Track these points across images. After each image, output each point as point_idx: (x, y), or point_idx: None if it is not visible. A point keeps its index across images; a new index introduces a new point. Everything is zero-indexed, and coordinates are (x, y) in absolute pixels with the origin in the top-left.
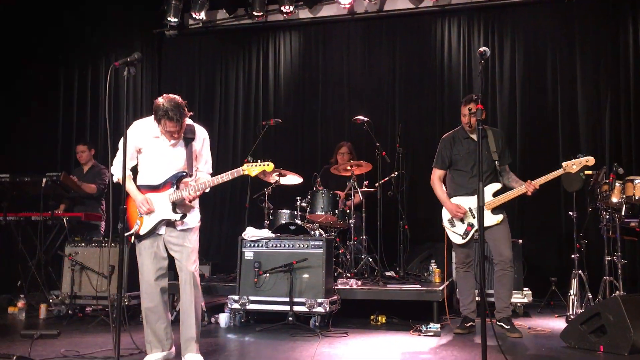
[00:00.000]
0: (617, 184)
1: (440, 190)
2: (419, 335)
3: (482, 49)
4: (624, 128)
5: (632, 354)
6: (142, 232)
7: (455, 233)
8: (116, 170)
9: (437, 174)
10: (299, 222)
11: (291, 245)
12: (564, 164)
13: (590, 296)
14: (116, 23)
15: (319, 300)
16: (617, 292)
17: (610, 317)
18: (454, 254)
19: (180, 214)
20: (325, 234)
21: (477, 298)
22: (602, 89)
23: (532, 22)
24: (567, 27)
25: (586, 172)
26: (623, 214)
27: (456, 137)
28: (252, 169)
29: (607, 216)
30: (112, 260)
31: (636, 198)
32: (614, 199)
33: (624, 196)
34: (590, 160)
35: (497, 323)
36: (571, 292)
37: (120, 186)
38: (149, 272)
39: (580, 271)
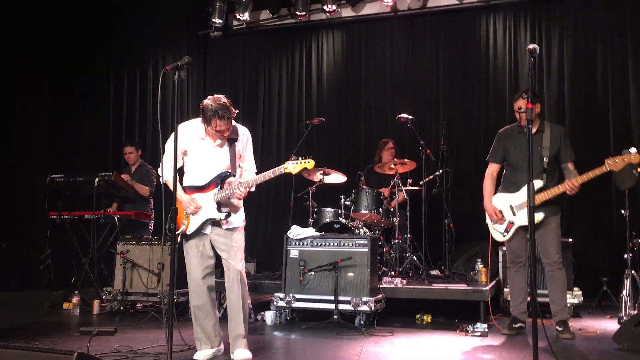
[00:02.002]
0: None
1: (488, 186)
2: (466, 335)
3: (531, 46)
4: None
5: None
6: (189, 232)
7: (497, 231)
8: (165, 172)
9: (491, 169)
10: (343, 220)
11: (336, 244)
12: (607, 160)
13: None
14: (163, 25)
15: (364, 299)
16: None
17: None
18: (499, 252)
19: (225, 213)
20: (369, 233)
21: (528, 298)
22: None
23: (581, 15)
24: (618, 17)
25: (639, 169)
26: None
27: (511, 132)
28: (293, 166)
29: None
30: (161, 258)
31: None
32: None
33: None
34: (635, 156)
35: (555, 326)
36: (624, 292)
37: (167, 187)
38: (197, 270)
39: (633, 271)
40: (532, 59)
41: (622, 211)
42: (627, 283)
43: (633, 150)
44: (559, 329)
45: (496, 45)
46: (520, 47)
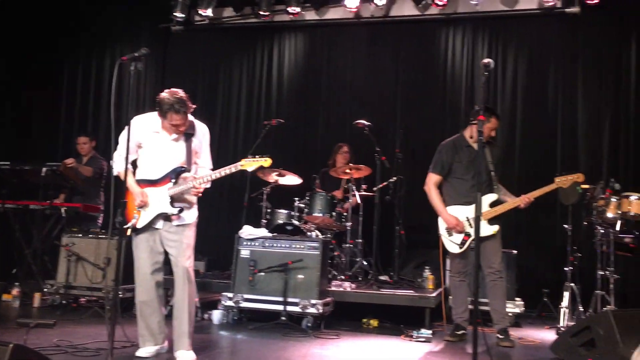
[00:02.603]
0: (613, 200)
1: (437, 198)
2: (410, 340)
3: (486, 60)
4: (623, 145)
5: None
6: (139, 226)
7: (453, 242)
8: (117, 164)
9: (433, 180)
10: (296, 222)
11: (287, 246)
12: (556, 179)
13: (582, 309)
14: (122, 16)
15: (312, 301)
16: (608, 306)
17: (600, 331)
18: (448, 261)
19: (178, 208)
20: (321, 236)
21: (470, 307)
22: (602, 106)
23: (537, 35)
24: (571, 43)
25: (583, 186)
26: (617, 229)
27: (457, 144)
28: (249, 163)
29: (602, 231)
30: (108, 252)
31: (631, 214)
32: (609, 214)
33: (619, 212)
34: (580, 176)
35: (495, 334)
36: (563, 304)
37: (120, 180)
38: (145, 265)
39: (572, 284)
40: (486, 73)
41: (565, 226)
42: (567, 295)
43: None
44: (499, 337)
45: (454, 58)
46: (477, 60)
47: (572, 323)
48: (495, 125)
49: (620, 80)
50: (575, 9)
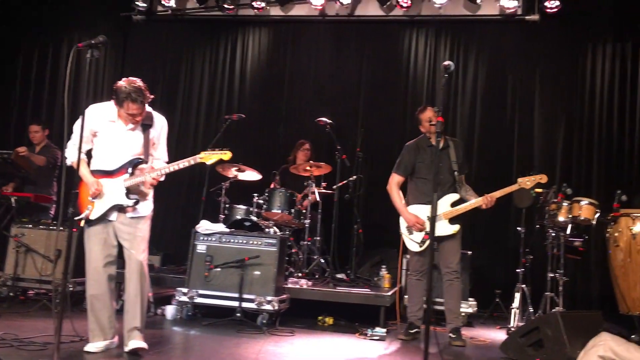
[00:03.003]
0: (564, 204)
1: (398, 197)
2: (364, 338)
3: (446, 62)
4: (576, 150)
5: None
6: (92, 217)
7: (413, 241)
8: (70, 153)
9: (396, 180)
10: (254, 218)
11: (245, 242)
12: (519, 179)
13: (532, 310)
14: (82, 2)
15: (268, 298)
16: (557, 307)
17: (548, 331)
18: (404, 260)
19: (134, 200)
20: (279, 233)
21: (424, 306)
22: (558, 111)
23: (497, 40)
24: (530, 49)
25: (536, 190)
26: (568, 232)
27: (420, 145)
28: (208, 156)
29: (553, 234)
30: (59, 244)
31: (581, 218)
32: (561, 218)
33: (570, 216)
34: (543, 177)
35: (448, 333)
36: (514, 305)
37: (73, 170)
38: (97, 258)
39: (523, 285)
40: (446, 75)
41: (518, 228)
42: (518, 296)
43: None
44: (451, 336)
45: (417, 59)
46: (439, 62)
47: (522, 323)
48: (431, 114)
49: (575, 87)
50: (534, 17)
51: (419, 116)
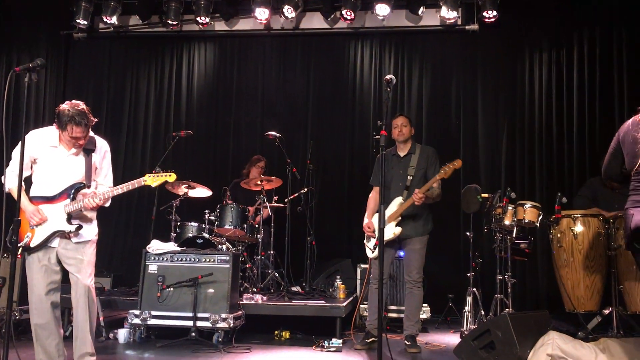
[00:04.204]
0: (509, 208)
1: (371, 205)
2: (321, 350)
3: (388, 77)
4: (518, 155)
5: None
6: (32, 245)
7: (368, 247)
8: (8, 180)
9: (373, 191)
10: (206, 235)
11: (197, 260)
12: (440, 169)
13: (483, 313)
14: (20, 21)
15: (223, 316)
16: (507, 309)
17: (499, 333)
18: (358, 270)
19: (76, 225)
20: (232, 248)
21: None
22: (500, 118)
23: (439, 50)
24: (471, 57)
25: (482, 195)
26: (514, 235)
27: (387, 154)
28: (153, 179)
29: (500, 237)
30: (2, 272)
31: (526, 221)
32: (506, 222)
33: (515, 219)
34: (458, 162)
35: (403, 340)
36: (466, 308)
37: (10, 197)
38: (40, 286)
39: (474, 289)
40: (388, 89)
41: (467, 233)
42: (469, 300)
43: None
44: (407, 343)
45: (363, 71)
46: (384, 73)
47: (475, 326)
48: (403, 121)
49: (515, 93)
50: (474, 26)
51: (391, 121)
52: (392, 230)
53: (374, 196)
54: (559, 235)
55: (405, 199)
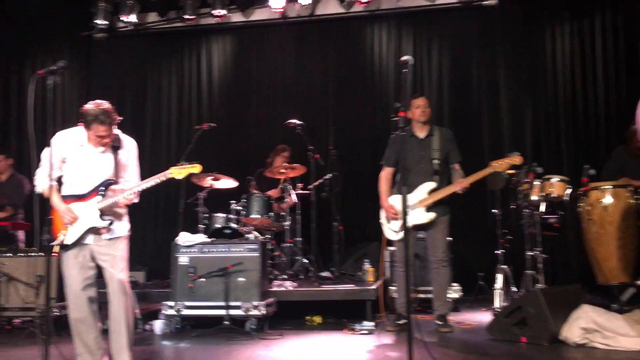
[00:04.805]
0: (536, 183)
1: (383, 187)
2: (353, 334)
3: (404, 58)
4: (543, 129)
5: (552, 344)
6: (67, 242)
7: (390, 229)
8: (40, 181)
9: (384, 172)
10: (234, 225)
11: (226, 249)
12: (492, 162)
13: (514, 290)
14: (42, 26)
15: (255, 303)
16: (538, 285)
17: (530, 309)
18: (386, 253)
19: (108, 221)
20: (260, 237)
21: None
22: (523, 92)
23: (457, 28)
24: (489, 34)
25: (508, 171)
26: (542, 210)
27: (404, 136)
28: (179, 171)
29: (528, 213)
30: (40, 270)
31: (553, 196)
32: (534, 197)
33: (543, 194)
34: (517, 159)
35: (434, 320)
36: (496, 286)
37: (43, 197)
38: (75, 282)
39: (504, 266)
40: (405, 70)
41: (494, 210)
42: (499, 277)
43: (517, 153)
44: (438, 323)
45: (381, 53)
46: (403, 55)
47: (507, 304)
48: (425, 102)
49: (538, 67)
50: (492, 1)
51: (410, 101)
52: (425, 216)
53: (386, 177)
54: (588, 208)
55: (440, 185)
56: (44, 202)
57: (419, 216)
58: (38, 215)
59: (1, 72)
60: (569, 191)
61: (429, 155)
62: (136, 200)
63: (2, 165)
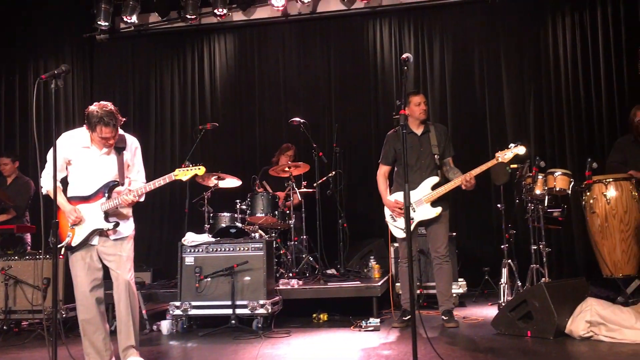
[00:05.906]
0: (539, 177)
1: (381, 186)
2: (359, 331)
3: (404, 55)
4: (547, 123)
5: (557, 337)
6: (74, 244)
7: (397, 227)
8: (45, 183)
9: (381, 170)
10: (239, 224)
11: (231, 249)
12: (497, 153)
13: (520, 284)
14: (44, 28)
15: (261, 302)
16: (543, 278)
17: (535, 303)
18: (391, 249)
19: (113, 223)
20: (265, 236)
21: (417, 291)
22: (525, 86)
23: (459, 22)
24: (491, 27)
25: (512, 165)
26: (546, 204)
27: (400, 132)
28: (184, 173)
29: (532, 207)
30: (47, 272)
31: (557, 189)
32: (537, 191)
33: (546, 188)
34: (521, 149)
35: (440, 316)
36: (502, 280)
37: (49, 199)
38: (83, 283)
39: (509, 260)
40: (405, 67)
41: (498, 205)
42: (505, 272)
43: (520, 143)
44: (444, 318)
45: (383, 50)
46: (405, 51)
47: (512, 298)
48: (424, 99)
49: (540, 59)
50: None
51: (409, 97)
52: (433, 210)
53: (383, 175)
54: (591, 201)
55: (443, 181)
56: (50, 205)
57: (427, 211)
58: (41, 218)
59: (4, 76)
60: (572, 184)
61: (429, 150)
62: (141, 200)
63: (8, 168)
